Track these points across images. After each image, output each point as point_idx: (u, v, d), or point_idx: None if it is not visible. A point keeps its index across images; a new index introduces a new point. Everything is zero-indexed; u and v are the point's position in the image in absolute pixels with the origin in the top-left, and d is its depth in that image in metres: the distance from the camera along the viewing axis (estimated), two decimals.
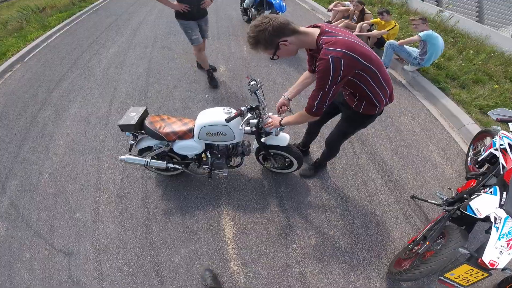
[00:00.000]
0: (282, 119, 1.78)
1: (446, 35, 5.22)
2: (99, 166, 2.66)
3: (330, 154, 2.27)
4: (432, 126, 3.22)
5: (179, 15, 3.03)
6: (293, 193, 2.39)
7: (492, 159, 1.99)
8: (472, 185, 1.91)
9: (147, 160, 2.10)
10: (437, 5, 6.76)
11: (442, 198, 2.01)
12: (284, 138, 2.04)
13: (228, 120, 1.68)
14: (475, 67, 4.25)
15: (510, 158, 1.73)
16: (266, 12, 4.08)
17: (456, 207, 1.70)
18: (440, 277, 1.39)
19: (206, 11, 3.15)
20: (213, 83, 3.66)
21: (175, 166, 2.17)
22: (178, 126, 2.02)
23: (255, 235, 2.12)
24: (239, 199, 2.35)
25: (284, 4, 3.87)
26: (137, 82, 3.91)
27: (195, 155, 2.18)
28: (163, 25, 5.72)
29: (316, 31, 1.37)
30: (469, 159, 2.68)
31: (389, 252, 2.04)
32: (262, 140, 2.00)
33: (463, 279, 1.33)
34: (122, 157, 2.12)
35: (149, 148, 2.15)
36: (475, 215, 1.45)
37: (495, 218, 1.33)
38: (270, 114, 1.94)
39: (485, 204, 1.46)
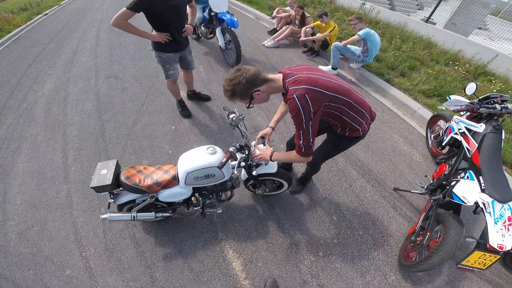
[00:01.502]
0: (272, 155, 1.79)
1: (373, 27, 5.60)
2: (73, 221, 2.37)
3: (311, 172, 2.37)
4: (390, 117, 3.58)
5: (158, 47, 2.67)
6: (288, 212, 2.42)
7: (455, 142, 2.18)
8: (444, 170, 2.14)
9: (133, 215, 1.92)
10: None
11: (423, 187, 2.23)
12: (273, 165, 2.04)
13: (221, 166, 1.60)
14: (405, 55, 4.83)
15: (471, 141, 1.89)
16: (217, 30, 3.98)
17: (441, 195, 1.87)
18: (459, 266, 1.52)
19: (188, 40, 2.90)
20: (185, 112, 3.45)
21: (164, 214, 2.04)
22: (159, 175, 1.87)
23: (263, 261, 2.10)
24: (237, 230, 2.30)
25: (235, 19, 3.83)
26: (89, 122, 3.48)
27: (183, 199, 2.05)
28: (102, 52, 5.20)
29: (280, 76, 1.49)
30: (429, 141, 3.02)
31: (393, 246, 2.21)
32: (254, 173, 1.97)
33: (479, 264, 1.47)
34: (103, 216, 1.92)
35: (129, 202, 1.97)
36: (464, 203, 1.61)
37: (484, 204, 1.50)
38: (254, 143, 1.92)
39: (468, 190, 1.63)
